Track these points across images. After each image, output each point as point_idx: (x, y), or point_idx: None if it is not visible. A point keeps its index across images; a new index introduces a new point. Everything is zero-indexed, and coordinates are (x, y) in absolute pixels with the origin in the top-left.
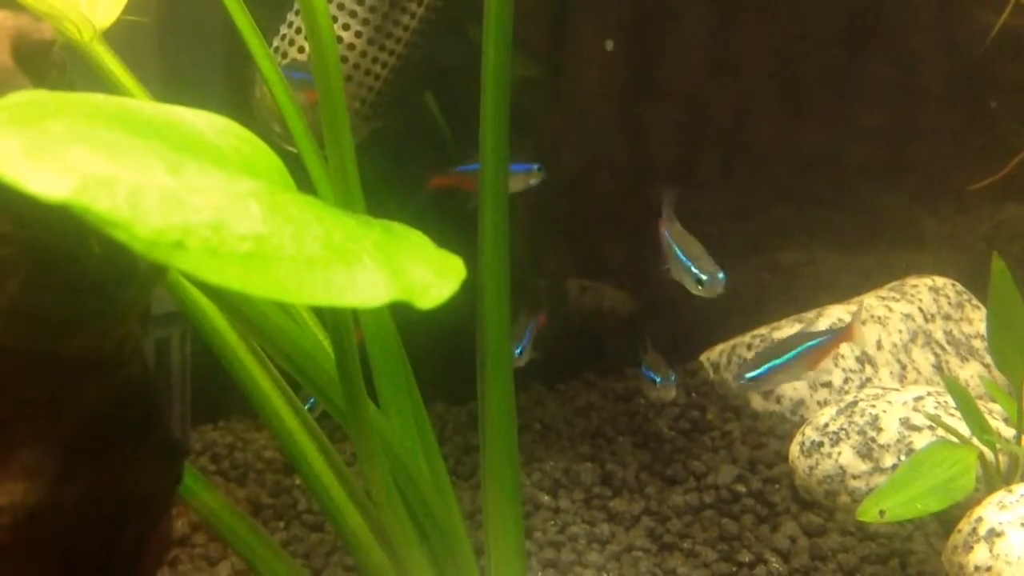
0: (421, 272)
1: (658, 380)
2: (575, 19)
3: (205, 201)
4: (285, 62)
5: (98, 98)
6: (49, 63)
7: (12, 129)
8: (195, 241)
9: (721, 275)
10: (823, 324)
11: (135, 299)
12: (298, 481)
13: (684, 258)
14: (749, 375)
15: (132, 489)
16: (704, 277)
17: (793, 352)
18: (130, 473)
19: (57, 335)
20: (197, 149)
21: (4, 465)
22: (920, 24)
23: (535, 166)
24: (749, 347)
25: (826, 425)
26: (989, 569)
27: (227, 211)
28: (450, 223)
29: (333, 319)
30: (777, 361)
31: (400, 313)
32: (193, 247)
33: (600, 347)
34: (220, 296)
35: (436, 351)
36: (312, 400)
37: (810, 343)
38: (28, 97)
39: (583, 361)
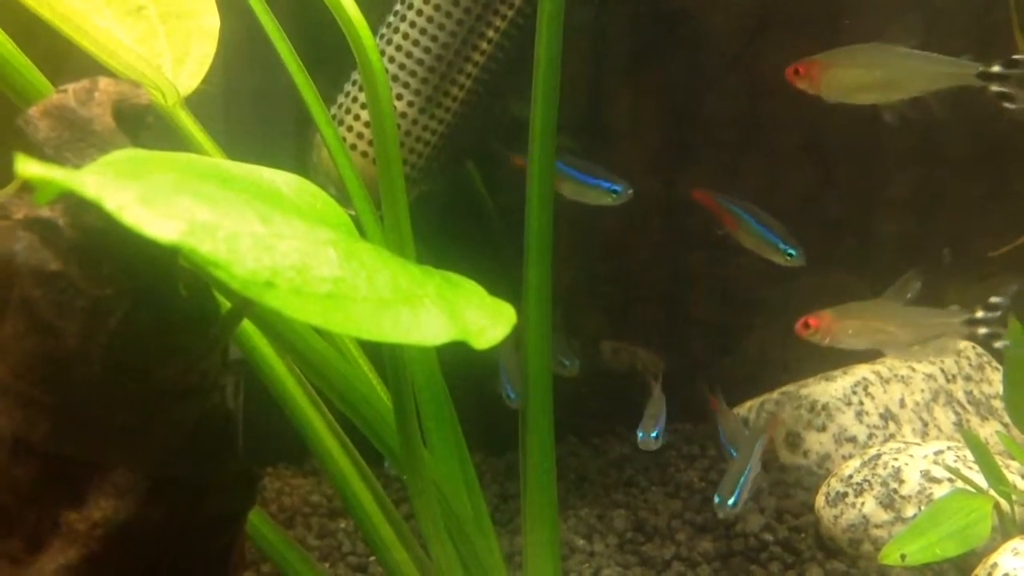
0: (476, 316)
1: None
2: (611, 91)
3: (291, 247)
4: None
5: (191, 157)
6: (143, 125)
7: (126, 181)
8: (283, 281)
9: None
10: (848, 381)
11: (217, 338)
12: (343, 524)
13: None
14: (732, 502)
15: (211, 510)
16: None
17: (752, 460)
18: (209, 495)
19: (148, 367)
20: (278, 203)
21: (99, 483)
22: (942, 98)
23: None
24: (777, 403)
25: (850, 476)
26: None
27: (310, 256)
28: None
29: (392, 362)
30: (744, 477)
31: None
32: (281, 287)
33: (633, 403)
34: (285, 341)
35: (476, 404)
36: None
37: (758, 444)
38: (130, 155)
39: (616, 416)
